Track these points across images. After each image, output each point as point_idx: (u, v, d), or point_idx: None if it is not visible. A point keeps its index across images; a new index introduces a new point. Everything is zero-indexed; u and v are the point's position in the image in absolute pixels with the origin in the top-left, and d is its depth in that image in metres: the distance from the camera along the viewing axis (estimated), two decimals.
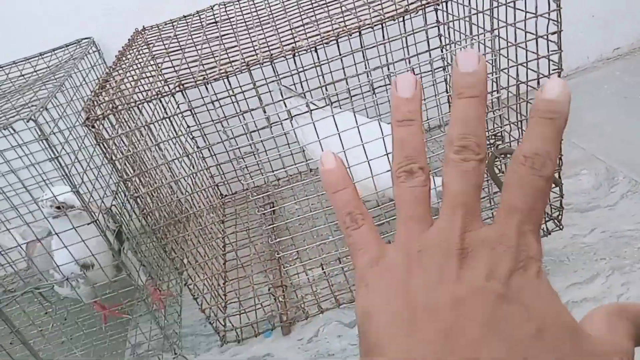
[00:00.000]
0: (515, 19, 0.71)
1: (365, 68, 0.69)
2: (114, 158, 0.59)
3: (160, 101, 0.69)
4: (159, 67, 0.92)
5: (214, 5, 0.96)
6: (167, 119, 0.67)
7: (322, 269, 0.79)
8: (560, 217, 0.84)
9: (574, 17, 1.28)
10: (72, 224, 0.65)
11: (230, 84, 0.68)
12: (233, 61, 0.63)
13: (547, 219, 0.85)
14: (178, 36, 0.90)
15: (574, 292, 0.78)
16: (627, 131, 1.09)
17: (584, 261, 0.82)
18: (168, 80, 0.93)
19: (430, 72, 0.90)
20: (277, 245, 0.73)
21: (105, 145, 0.58)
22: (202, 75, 0.58)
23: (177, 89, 0.58)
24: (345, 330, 0.81)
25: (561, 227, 0.85)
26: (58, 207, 0.69)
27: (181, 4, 0.99)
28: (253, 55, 0.67)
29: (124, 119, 0.68)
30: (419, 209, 0.24)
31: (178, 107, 0.97)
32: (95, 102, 0.60)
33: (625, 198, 0.92)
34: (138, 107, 0.61)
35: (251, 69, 0.60)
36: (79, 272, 0.72)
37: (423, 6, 0.61)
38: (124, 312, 0.78)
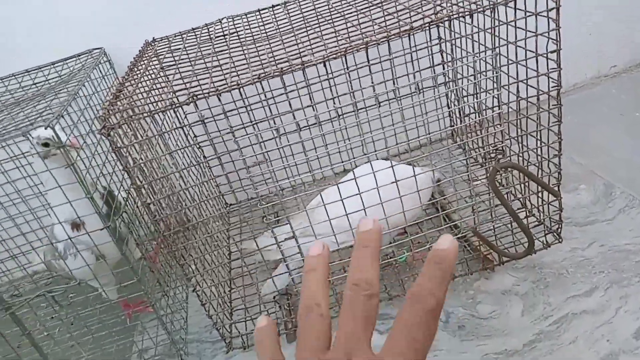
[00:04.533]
0: (516, 38, 0.74)
1: (371, 82, 0.72)
2: (128, 166, 0.61)
3: (175, 111, 0.71)
4: (168, 79, 0.95)
5: (222, 19, 0.99)
6: (181, 129, 0.69)
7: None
8: (559, 230, 0.86)
9: (571, 36, 1.31)
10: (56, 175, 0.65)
11: (244, 94, 0.70)
12: (241, 74, 0.65)
13: (546, 232, 0.87)
14: (187, 48, 0.93)
15: (573, 304, 0.79)
16: (624, 148, 1.11)
17: (582, 274, 0.84)
18: (177, 91, 0.96)
19: (433, 87, 0.93)
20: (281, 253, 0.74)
21: (119, 153, 0.60)
22: (214, 88, 0.60)
23: (190, 99, 0.60)
24: None
25: (560, 240, 0.87)
26: (45, 144, 0.69)
27: (190, 16, 1.02)
28: (261, 69, 0.70)
29: (136, 128, 0.70)
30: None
31: (185, 117, 0.99)
32: (110, 111, 0.62)
33: (622, 213, 0.94)
34: (153, 117, 0.63)
35: (262, 80, 0.62)
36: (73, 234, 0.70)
37: (428, 24, 0.63)
38: (148, 307, 0.77)
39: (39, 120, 0.64)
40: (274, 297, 0.86)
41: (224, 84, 0.62)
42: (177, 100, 0.62)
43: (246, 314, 0.81)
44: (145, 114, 0.60)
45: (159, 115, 0.81)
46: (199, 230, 0.85)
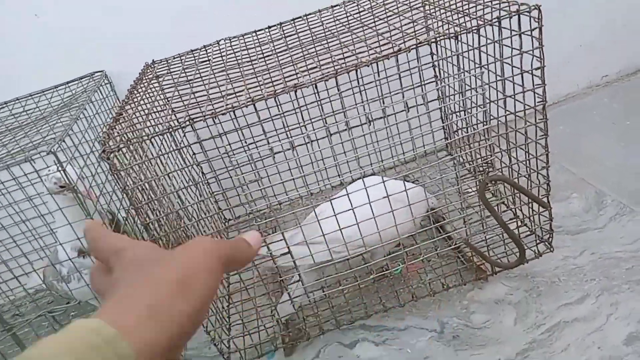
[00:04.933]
0: (502, 56, 0.76)
1: (362, 101, 0.74)
2: (126, 187, 0.63)
3: (171, 134, 0.73)
4: (168, 100, 0.98)
5: (220, 40, 1.02)
6: (177, 151, 0.72)
7: (323, 291, 0.83)
8: (550, 239, 0.88)
9: (563, 47, 1.34)
10: (63, 205, 0.68)
11: (242, 113, 0.72)
12: (238, 95, 0.68)
13: (538, 241, 0.89)
14: (186, 70, 0.95)
15: (565, 312, 0.81)
16: (615, 156, 1.13)
17: (574, 282, 0.86)
18: (177, 112, 0.98)
19: (425, 103, 0.95)
20: (278, 268, 0.76)
21: (118, 175, 0.63)
22: (210, 111, 0.63)
23: (187, 123, 0.62)
24: (345, 351, 0.84)
25: (552, 249, 0.88)
26: (62, 186, 0.71)
27: (188, 38, 1.05)
28: (257, 90, 0.72)
29: (136, 150, 0.72)
30: None
31: (184, 136, 1.02)
32: (109, 135, 0.65)
33: (613, 221, 0.96)
34: (150, 140, 0.65)
35: (255, 103, 0.65)
36: (79, 260, 0.73)
37: (415, 46, 0.66)
38: None
39: (42, 144, 0.67)
40: (272, 313, 0.88)
41: (221, 106, 0.64)
42: (176, 123, 0.64)
43: (244, 329, 0.83)
44: (143, 138, 0.63)
45: (158, 138, 0.84)
46: None
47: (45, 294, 0.91)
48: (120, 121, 0.70)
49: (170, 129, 0.63)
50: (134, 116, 0.73)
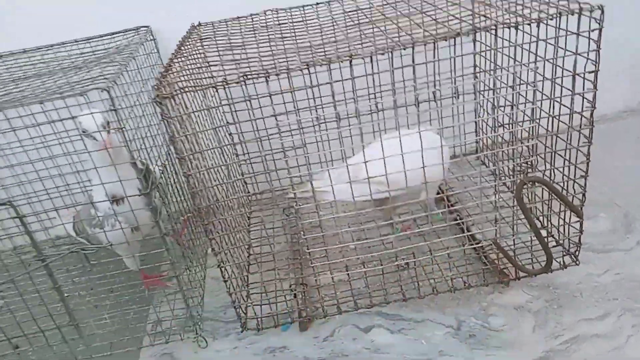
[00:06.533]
0: (555, 55, 0.74)
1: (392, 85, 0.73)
2: (175, 136, 0.63)
3: (217, 91, 0.73)
4: (208, 62, 0.98)
5: (267, 10, 1.02)
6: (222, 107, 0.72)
7: (347, 269, 0.82)
8: (577, 252, 0.87)
9: (612, 65, 1.33)
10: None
11: (291, 81, 0.71)
12: (286, 62, 0.67)
13: (564, 253, 0.88)
14: (231, 36, 0.95)
15: (584, 327, 0.80)
16: None
17: (596, 299, 0.85)
18: (214, 75, 0.98)
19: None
20: (305, 242, 0.76)
21: (168, 122, 0.63)
22: (265, 70, 0.63)
23: (241, 79, 0.62)
24: (360, 334, 0.84)
25: (577, 262, 0.87)
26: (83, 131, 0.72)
27: (235, 5, 1.05)
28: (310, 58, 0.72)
29: (184, 102, 0.72)
30: None
31: (230, 98, 1.01)
32: (162, 82, 0.65)
33: None
34: (202, 92, 0.65)
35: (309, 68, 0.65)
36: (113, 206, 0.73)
37: (487, 28, 0.65)
38: (166, 281, 0.79)
39: (97, 82, 0.66)
40: (290, 287, 0.88)
41: (273, 68, 0.64)
42: (215, 81, 0.64)
43: (262, 298, 0.83)
44: (199, 87, 0.63)
45: (202, 93, 0.84)
46: (225, 212, 0.87)
47: (69, 240, 0.91)
48: (173, 71, 0.70)
49: (226, 83, 0.63)
50: (185, 68, 0.73)
